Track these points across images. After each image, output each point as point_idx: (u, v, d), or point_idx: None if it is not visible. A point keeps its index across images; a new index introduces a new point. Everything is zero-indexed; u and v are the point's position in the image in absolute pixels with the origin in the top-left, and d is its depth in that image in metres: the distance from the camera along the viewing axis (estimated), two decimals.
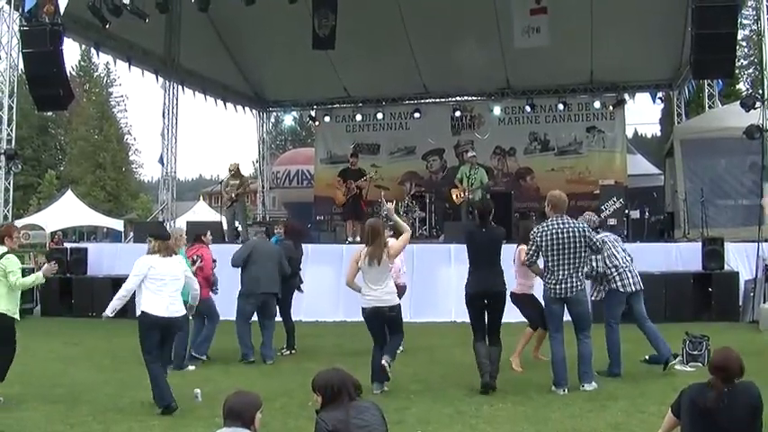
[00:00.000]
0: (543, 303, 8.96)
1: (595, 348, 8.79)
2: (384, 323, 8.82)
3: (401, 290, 11.08)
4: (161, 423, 7.40)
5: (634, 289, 9.43)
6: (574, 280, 8.51)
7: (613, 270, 9.40)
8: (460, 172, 18.58)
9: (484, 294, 8.78)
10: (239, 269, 11.14)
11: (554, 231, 8.52)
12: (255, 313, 11.10)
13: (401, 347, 10.67)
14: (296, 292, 12.20)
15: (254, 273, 10.97)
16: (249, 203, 28.41)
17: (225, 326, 10.88)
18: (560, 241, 8.47)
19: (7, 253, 8.39)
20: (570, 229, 8.52)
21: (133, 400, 8.22)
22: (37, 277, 8.69)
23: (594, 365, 8.79)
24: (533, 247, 8.70)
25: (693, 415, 4.92)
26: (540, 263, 8.82)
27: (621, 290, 9.36)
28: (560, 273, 8.50)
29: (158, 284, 7.99)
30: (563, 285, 8.50)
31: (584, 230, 8.56)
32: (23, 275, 8.56)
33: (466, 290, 8.91)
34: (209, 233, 11.72)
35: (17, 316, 8.45)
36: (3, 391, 8.33)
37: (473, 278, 8.88)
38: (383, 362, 8.55)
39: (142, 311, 7.94)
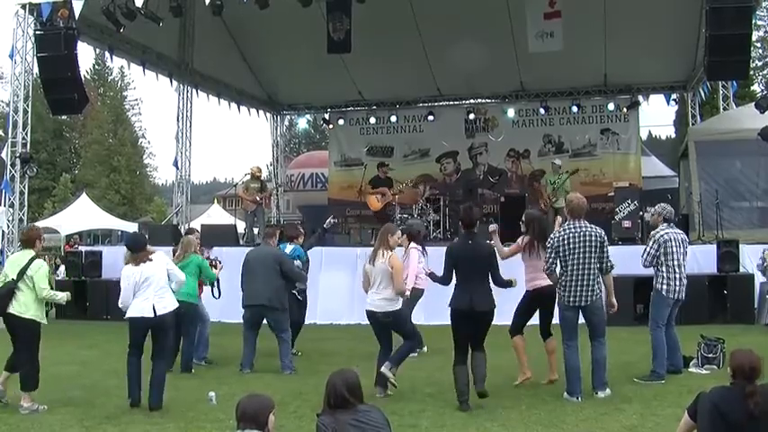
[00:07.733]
0: (558, 310, 8.60)
1: (618, 353, 8.66)
2: (380, 328, 8.77)
3: (418, 293, 11.09)
4: (176, 426, 7.41)
5: (677, 297, 9.27)
6: (591, 287, 8.24)
7: (664, 270, 9.20)
8: (545, 179, 19.16)
9: (469, 313, 8.06)
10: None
11: (571, 236, 8.27)
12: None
13: (416, 353, 10.67)
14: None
15: (248, 285, 10.58)
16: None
17: (238, 329, 10.85)
18: (578, 246, 8.22)
19: (36, 257, 8.52)
20: (587, 234, 8.27)
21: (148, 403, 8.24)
22: (61, 297, 8.91)
23: (616, 372, 8.69)
24: (552, 254, 8.39)
25: (715, 419, 4.79)
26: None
27: (665, 294, 9.20)
28: (577, 279, 8.23)
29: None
30: (580, 293, 8.24)
31: (601, 235, 8.34)
32: None
33: (450, 306, 8.24)
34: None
35: (45, 321, 8.65)
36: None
37: (458, 294, 8.20)
38: (383, 369, 8.49)
39: None
